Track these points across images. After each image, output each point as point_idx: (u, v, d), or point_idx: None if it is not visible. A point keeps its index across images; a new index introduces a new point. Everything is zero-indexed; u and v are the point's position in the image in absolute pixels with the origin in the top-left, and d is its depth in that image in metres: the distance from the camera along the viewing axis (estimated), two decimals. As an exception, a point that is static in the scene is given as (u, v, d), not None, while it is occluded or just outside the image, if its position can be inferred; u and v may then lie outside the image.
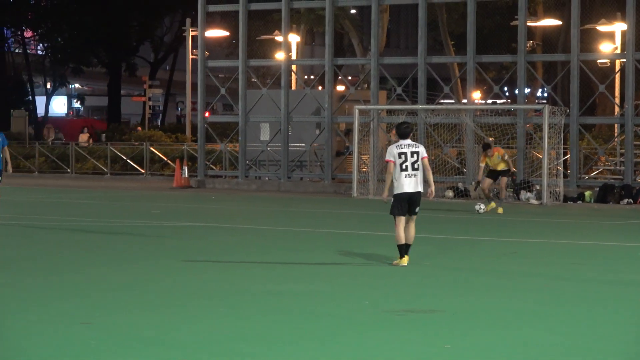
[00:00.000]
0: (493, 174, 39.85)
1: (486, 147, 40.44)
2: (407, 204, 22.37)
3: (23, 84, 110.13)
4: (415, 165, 22.24)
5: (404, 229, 22.28)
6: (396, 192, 22.37)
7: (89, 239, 28.68)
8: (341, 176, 52.18)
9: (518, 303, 18.10)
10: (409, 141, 22.56)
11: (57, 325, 15.43)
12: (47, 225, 32.12)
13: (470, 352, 13.95)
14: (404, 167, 22.22)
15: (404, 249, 22.42)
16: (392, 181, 22.42)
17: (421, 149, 22.54)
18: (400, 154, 22.22)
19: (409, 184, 22.23)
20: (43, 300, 17.73)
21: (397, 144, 22.51)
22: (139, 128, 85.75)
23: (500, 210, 39.12)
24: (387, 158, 22.69)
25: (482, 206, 38.86)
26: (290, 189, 51.71)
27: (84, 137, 72.06)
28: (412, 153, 22.26)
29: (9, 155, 32.23)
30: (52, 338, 14.44)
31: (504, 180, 39.85)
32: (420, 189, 22.40)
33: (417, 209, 22.52)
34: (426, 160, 22.59)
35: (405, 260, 22.34)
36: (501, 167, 39.55)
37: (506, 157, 39.75)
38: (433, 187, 22.85)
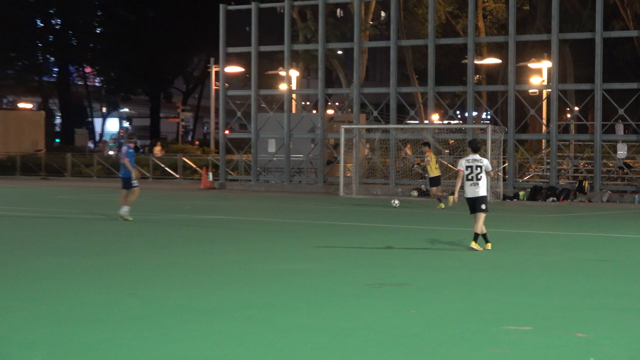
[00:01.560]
0: (438, 180, 39.99)
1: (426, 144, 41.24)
2: (469, 205, 22.68)
3: (84, 109, 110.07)
4: (478, 176, 22.41)
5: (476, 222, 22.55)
6: (465, 196, 22.77)
7: (135, 227, 28.59)
8: (331, 180, 52.29)
9: (467, 277, 18.08)
10: (477, 156, 22.72)
11: (110, 296, 15.40)
12: (101, 218, 32.04)
13: (432, 316, 13.92)
14: (469, 177, 22.45)
15: (485, 236, 22.66)
16: (461, 185, 22.71)
17: (484, 163, 22.67)
18: (467, 167, 22.46)
19: (470, 191, 22.50)
20: (99, 276, 17.68)
21: (466, 158, 22.72)
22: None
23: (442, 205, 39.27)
24: (458, 167, 22.88)
25: (397, 201, 39.20)
26: (291, 190, 51.71)
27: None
28: (476, 166, 22.42)
29: (128, 164, 31.96)
30: (105, 306, 14.40)
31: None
32: (479, 194, 22.44)
33: (482, 207, 22.44)
34: (491, 174, 23.59)
35: (475, 245, 22.47)
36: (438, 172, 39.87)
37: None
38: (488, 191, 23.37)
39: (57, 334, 12.27)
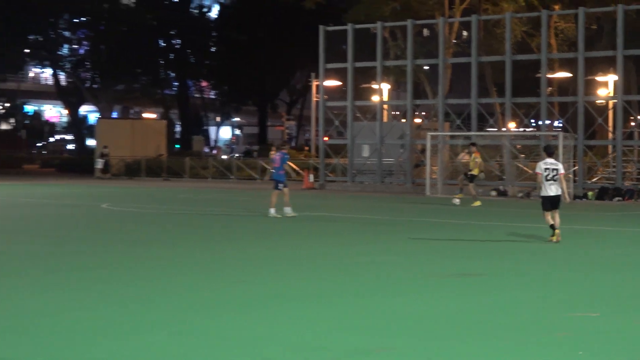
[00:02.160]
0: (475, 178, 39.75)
1: (474, 144, 41.01)
2: (550, 202, 22.98)
3: (200, 118, 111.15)
4: (555, 177, 22.90)
5: (551, 217, 22.95)
6: (542, 194, 23.09)
7: (240, 222, 28.79)
8: (418, 181, 52.04)
9: (539, 268, 17.95)
10: (552, 160, 23.21)
11: (219, 284, 15.52)
12: (218, 214, 32.28)
13: (508, 303, 13.85)
14: (547, 177, 22.89)
15: (552, 228, 22.91)
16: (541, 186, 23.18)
17: (560, 167, 23.17)
18: (545, 169, 22.92)
19: (551, 190, 22.93)
20: (210, 267, 17.82)
21: (544, 161, 23.15)
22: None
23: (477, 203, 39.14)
24: (536, 171, 23.32)
25: (457, 200, 38.43)
26: (382, 190, 51.60)
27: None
28: (553, 169, 22.92)
29: (287, 167, 32.75)
30: (218, 293, 14.51)
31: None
32: (559, 193, 23.02)
33: (558, 205, 23.03)
34: (562, 176, 23.25)
35: (554, 238, 22.82)
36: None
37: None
38: (566, 196, 23.98)
39: (176, 317, 12.41)
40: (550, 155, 23.45)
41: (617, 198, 44.95)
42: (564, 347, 10.78)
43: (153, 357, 10.19)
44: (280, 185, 31.43)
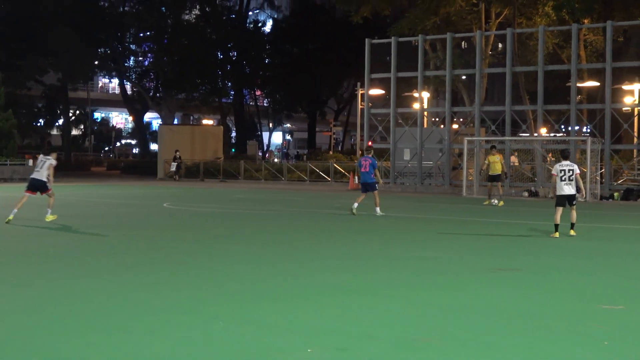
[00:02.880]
0: (497, 178, 39.89)
1: (494, 147, 41.27)
2: (566, 200, 23.87)
3: (254, 124, 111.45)
4: (570, 178, 23.72)
5: (565, 214, 24.10)
6: (557, 193, 23.91)
7: (296, 219, 28.88)
8: (455, 182, 52.03)
9: (568, 263, 17.91)
10: (568, 162, 23.97)
11: (276, 279, 15.60)
12: (269, 213, 32.41)
13: (540, 296, 13.84)
14: (563, 178, 23.76)
15: (557, 227, 23.79)
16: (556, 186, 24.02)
17: (575, 167, 23.95)
18: (561, 170, 23.78)
19: (567, 189, 23.80)
20: (266, 260, 17.91)
21: (559, 164, 23.98)
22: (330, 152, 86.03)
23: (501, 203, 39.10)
24: (552, 172, 24.25)
25: (496, 201, 37.48)
26: (422, 191, 51.63)
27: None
28: (569, 170, 23.75)
29: (378, 173, 33.13)
30: (275, 285, 14.59)
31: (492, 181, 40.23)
32: (573, 192, 23.85)
33: (574, 202, 23.97)
34: (578, 175, 23.98)
35: (556, 234, 23.70)
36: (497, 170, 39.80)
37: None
38: (583, 192, 24.58)
39: (233, 307, 12.50)
40: (565, 158, 24.23)
41: (641, 199, 44.76)
42: (592, 339, 10.78)
43: (215, 342, 10.29)
44: (370, 188, 32.11)
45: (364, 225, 27.86)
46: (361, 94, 65.95)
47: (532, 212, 35.11)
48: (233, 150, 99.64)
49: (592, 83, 60.22)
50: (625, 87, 57.82)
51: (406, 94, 67.66)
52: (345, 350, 9.91)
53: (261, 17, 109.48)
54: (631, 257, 19.67)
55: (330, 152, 79.46)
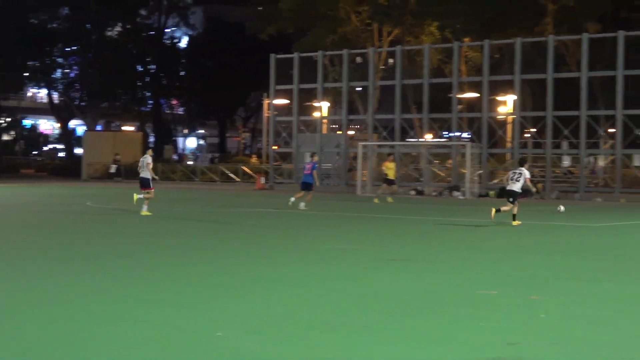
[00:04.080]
0: (391, 181, 40.61)
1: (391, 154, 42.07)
2: (506, 193, 26.95)
3: (170, 130, 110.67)
4: (517, 179, 26.35)
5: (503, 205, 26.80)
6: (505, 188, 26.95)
7: (209, 216, 28.73)
8: (351, 182, 52.32)
9: (454, 254, 18.18)
10: (520, 168, 26.63)
11: (198, 267, 15.48)
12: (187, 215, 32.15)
13: (429, 284, 14.03)
14: (511, 178, 26.66)
15: (514, 217, 26.29)
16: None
17: (524, 172, 26.37)
18: (512, 172, 26.85)
19: (509, 185, 26.54)
20: (188, 256, 17.77)
21: (514, 168, 27.20)
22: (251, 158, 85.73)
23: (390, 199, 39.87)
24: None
25: (562, 207, 33.47)
26: (322, 190, 51.64)
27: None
28: (518, 173, 26.46)
29: (316, 175, 34.19)
30: (193, 279, 14.51)
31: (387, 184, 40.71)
32: (513, 188, 26.39)
33: (510, 199, 26.43)
34: (527, 180, 26.48)
35: (492, 216, 26.41)
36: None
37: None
38: (533, 189, 27.96)
39: (165, 295, 12.41)
40: (521, 165, 26.95)
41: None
42: (471, 321, 10.98)
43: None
44: (308, 188, 33.35)
45: (273, 221, 27.86)
46: (267, 103, 65.98)
47: (420, 209, 35.49)
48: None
49: (471, 94, 61.16)
50: (500, 98, 58.91)
51: (308, 103, 67.73)
52: (259, 333, 9.92)
53: (177, 34, 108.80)
54: (510, 248, 20.02)
55: (254, 158, 78.92)
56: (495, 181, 50.13)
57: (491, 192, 46.46)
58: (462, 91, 58.42)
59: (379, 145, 53.18)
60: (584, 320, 11.00)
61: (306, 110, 63.99)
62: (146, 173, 28.58)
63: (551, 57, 47.67)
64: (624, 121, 45.38)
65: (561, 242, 21.58)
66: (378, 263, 16.56)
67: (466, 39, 58.53)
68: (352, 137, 57.98)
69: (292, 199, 33.36)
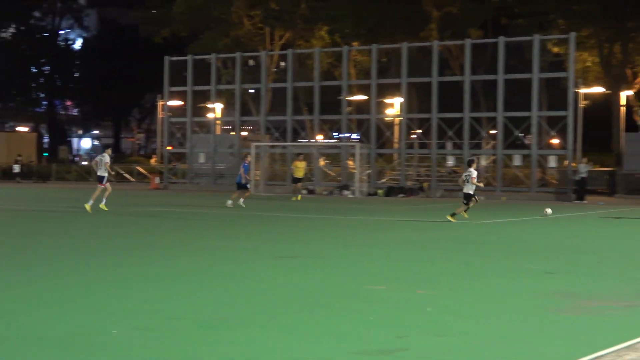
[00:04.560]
0: (299, 180, 40.98)
1: (301, 154, 42.37)
2: (463, 196, 27.15)
3: (65, 131, 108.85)
4: (468, 181, 26.65)
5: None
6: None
7: (106, 216, 28.30)
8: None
9: (343, 251, 18.22)
10: (470, 169, 26.87)
11: (90, 270, 15.18)
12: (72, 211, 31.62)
13: (319, 279, 14.02)
14: (463, 180, 26.92)
15: (454, 215, 26.92)
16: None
17: (471, 173, 26.63)
18: (463, 174, 27.15)
19: (464, 188, 26.85)
20: (81, 255, 17.41)
21: (464, 173, 27.30)
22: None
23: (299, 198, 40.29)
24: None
25: (549, 210, 31.10)
26: (216, 189, 51.53)
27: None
28: (467, 175, 26.73)
29: (244, 175, 34.69)
30: (89, 275, 14.20)
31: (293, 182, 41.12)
32: (466, 191, 26.84)
33: (464, 200, 27.07)
34: (473, 179, 26.60)
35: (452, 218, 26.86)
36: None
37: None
38: (480, 185, 27.74)
39: (57, 293, 12.11)
40: (469, 166, 27.21)
41: (401, 195, 45.98)
42: (360, 314, 10.99)
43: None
44: (248, 185, 34.93)
45: (167, 220, 27.58)
46: (161, 104, 65.32)
47: (312, 207, 35.56)
48: (45, 154, 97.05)
49: (360, 97, 61.58)
50: (388, 100, 59.52)
51: (201, 104, 67.24)
52: (151, 329, 9.77)
53: (72, 36, 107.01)
54: (395, 244, 20.16)
55: (154, 158, 77.98)
56: (384, 180, 50.59)
57: (380, 191, 46.86)
58: (352, 93, 58.83)
59: (272, 146, 53.23)
60: (469, 313, 11.11)
61: (200, 111, 63.63)
62: (103, 171, 29.95)
63: (436, 62, 48.35)
64: (504, 123, 46.28)
65: (445, 238, 21.84)
66: (268, 260, 16.49)
67: (355, 43, 58.95)
68: (245, 137, 57.80)
69: (229, 201, 34.09)
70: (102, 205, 29.94)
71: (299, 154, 43.84)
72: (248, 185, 34.87)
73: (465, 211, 27.37)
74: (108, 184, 30.24)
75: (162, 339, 9.36)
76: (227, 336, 9.60)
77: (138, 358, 8.59)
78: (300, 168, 40.98)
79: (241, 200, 34.21)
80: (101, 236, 21.37)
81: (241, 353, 8.79)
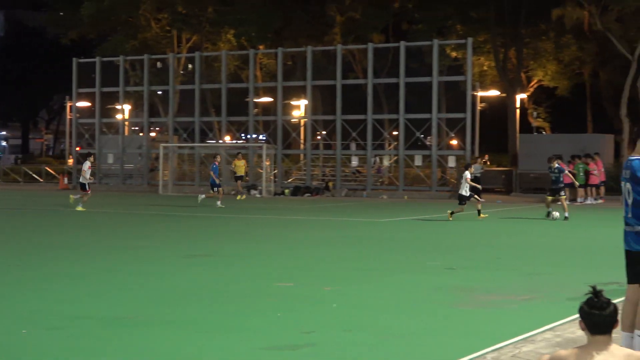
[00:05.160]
0: (240, 178, 40.94)
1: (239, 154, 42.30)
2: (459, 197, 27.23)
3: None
4: (461, 181, 27.08)
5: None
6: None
7: (15, 217, 27.78)
8: (153, 182, 51.63)
9: (252, 249, 18.22)
10: (465, 172, 26.92)
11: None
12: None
13: (230, 277, 13.99)
14: (461, 185, 26.94)
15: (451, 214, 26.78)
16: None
17: (466, 175, 26.80)
18: (461, 178, 27.08)
19: (460, 191, 26.82)
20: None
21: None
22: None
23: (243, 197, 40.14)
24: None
25: (557, 214, 28.15)
26: (125, 190, 50.96)
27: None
28: (461, 176, 27.14)
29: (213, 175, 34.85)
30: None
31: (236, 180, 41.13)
32: (460, 192, 26.95)
33: (459, 202, 27.04)
34: (467, 180, 26.69)
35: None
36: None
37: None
38: (479, 187, 28.98)
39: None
40: (466, 168, 27.61)
41: (307, 194, 46.12)
42: (269, 310, 11.02)
43: None
44: (215, 188, 34.42)
45: (81, 220, 27.18)
46: (70, 106, 64.28)
47: (223, 208, 35.46)
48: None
49: (266, 99, 61.59)
50: (294, 102, 59.69)
51: (110, 106, 66.38)
52: (59, 329, 9.64)
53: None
54: (300, 243, 20.24)
55: (70, 159, 76.65)
56: (290, 180, 50.64)
57: (286, 191, 46.90)
58: (258, 96, 58.78)
59: (180, 147, 52.91)
60: (373, 309, 11.23)
61: (108, 112, 62.81)
62: (84, 178, 31.40)
63: (339, 65, 48.60)
64: (406, 124, 46.78)
65: (351, 236, 22.01)
66: (178, 259, 16.41)
67: (261, 47, 58.89)
68: (153, 138, 57.23)
69: (202, 196, 34.57)
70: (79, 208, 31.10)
71: (237, 153, 43.73)
72: (217, 187, 34.51)
73: (461, 211, 27.52)
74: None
75: (69, 338, 9.27)
76: (135, 333, 9.57)
77: (47, 357, 8.48)
78: (240, 166, 41.10)
79: (218, 202, 33.80)
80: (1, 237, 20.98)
81: (148, 350, 8.75)
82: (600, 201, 39.26)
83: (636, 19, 49.37)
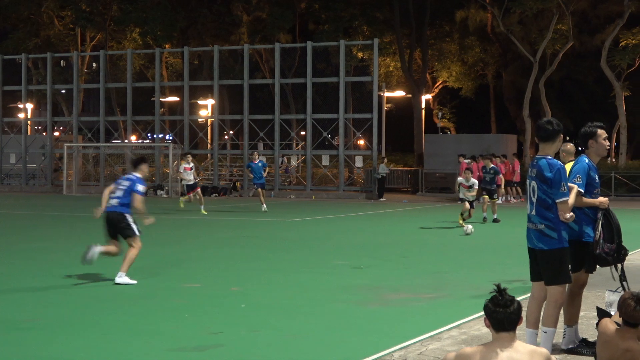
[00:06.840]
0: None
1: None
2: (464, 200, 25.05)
3: None
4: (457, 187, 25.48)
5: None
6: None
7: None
8: (57, 183, 50.72)
9: (164, 250, 18.03)
10: (460, 177, 25.78)
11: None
12: None
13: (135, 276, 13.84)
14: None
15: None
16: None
17: (459, 180, 25.38)
18: (458, 180, 25.49)
19: (464, 196, 24.84)
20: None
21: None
22: None
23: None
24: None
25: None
26: (28, 191, 49.94)
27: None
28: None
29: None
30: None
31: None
32: (460, 196, 25.14)
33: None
34: (463, 185, 24.95)
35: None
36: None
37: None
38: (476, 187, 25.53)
39: None
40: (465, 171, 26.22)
41: (214, 194, 45.94)
42: (176, 312, 10.94)
43: None
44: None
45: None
46: (-31, 105, 62.74)
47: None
48: None
49: (173, 98, 61.05)
50: (201, 102, 59.31)
51: (12, 105, 65.02)
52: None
53: None
54: (210, 243, 20.11)
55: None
56: (197, 180, 50.35)
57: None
58: (164, 95, 58.28)
59: (84, 147, 52.10)
60: (281, 309, 11.24)
61: (10, 112, 61.56)
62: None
63: (246, 65, 48.48)
64: (313, 124, 46.93)
65: (259, 236, 21.97)
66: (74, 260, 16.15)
67: (167, 46, 58.38)
68: (57, 138, 56.18)
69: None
70: None
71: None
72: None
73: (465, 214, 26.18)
74: None
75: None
76: (37, 337, 9.40)
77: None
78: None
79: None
80: None
81: (51, 353, 8.59)
82: (521, 199, 39.74)
83: (537, 22, 50.54)
